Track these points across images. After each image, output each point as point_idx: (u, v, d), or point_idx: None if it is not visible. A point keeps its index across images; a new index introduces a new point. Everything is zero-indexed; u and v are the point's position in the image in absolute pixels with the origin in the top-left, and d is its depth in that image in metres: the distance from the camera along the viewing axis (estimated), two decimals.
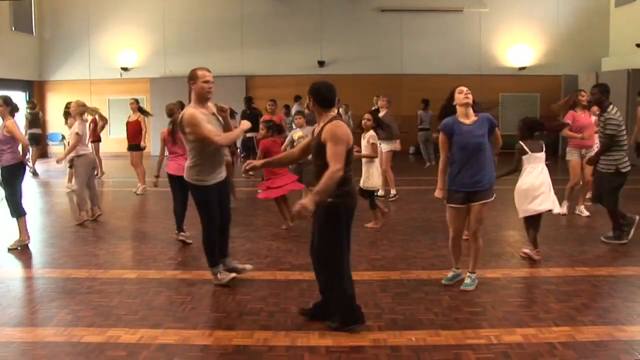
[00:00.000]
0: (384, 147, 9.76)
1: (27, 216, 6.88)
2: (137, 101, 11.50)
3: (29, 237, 6.84)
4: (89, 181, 8.20)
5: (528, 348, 3.91)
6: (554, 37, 18.44)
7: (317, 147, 4.16)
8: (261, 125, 7.80)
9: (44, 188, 12.04)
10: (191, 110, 4.97)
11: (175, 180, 6.65)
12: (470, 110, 4.98)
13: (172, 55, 18.48)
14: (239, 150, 16.42)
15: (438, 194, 5.10)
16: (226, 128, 5.21)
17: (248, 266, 5.56)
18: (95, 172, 8.74)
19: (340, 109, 13.77)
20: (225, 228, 5.40)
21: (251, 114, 12.97)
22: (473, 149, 4.90)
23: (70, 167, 9.14)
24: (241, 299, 4.95)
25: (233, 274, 5.28)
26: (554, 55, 18.46)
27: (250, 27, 18.64)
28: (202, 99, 5.03)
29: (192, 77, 5.01)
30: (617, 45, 17.84)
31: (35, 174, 13.45)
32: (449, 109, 5.05)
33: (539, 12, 18.33)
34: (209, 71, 5.06)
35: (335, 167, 3.98)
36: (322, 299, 4.44)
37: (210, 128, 4.98)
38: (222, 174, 5.23)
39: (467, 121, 4.95)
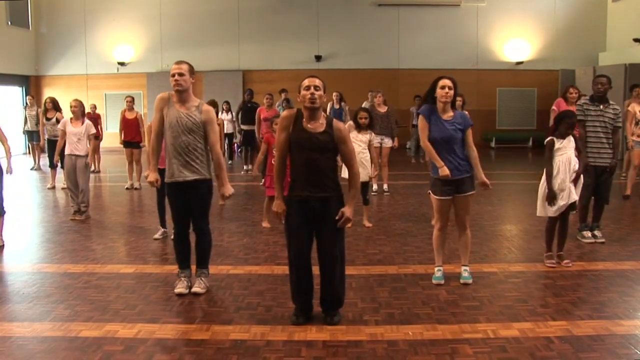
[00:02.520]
0: (387, 142, 9.82)
1: (21, 213, 6.84)
2: (133, 99, 11.47)
3: (2, 238, 6.74)
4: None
5: (525, 342, 3.92)
6: (551, 32, 18.46)
7: (327, 141, 4.14)
8: (276, 120, 7.57)
9: (42, 183, 12.01)
10: (160, 94, 4.94)
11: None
12: (448, 107, 5.01)
13: (169, 50, 18.40)
14: (235, 144, 16.46)
15: (443, 171, 4.94)
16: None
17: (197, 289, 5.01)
18: (93, 168, 8.76)
19: (342, 103, 13.71)
20: (199, 240, 5.06)
21: (251, 107, 13.01)
22: (447, 141, 4.96)
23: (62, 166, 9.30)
24: (238, 294, 4.95)
25: (182, 290, 4.95)
26: (551, 49, 18.48)
27: (247, 22, 18.61)
28: (176, 92, 4.81)
29: None
30: (614, 39, 17.88)
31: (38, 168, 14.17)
32: (431, 99, 5.06)
33: (536, 6, 18.36)
34: (181, 63, 4.80)
35: (356, 166, 4.31)
36: (309, 296, 4.38)
37: (156, 121, 4.87)
38: (183, 176, 4.81)
39: (444, 116, 5.01)
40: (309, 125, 4.16)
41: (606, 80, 6.46)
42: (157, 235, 6.98)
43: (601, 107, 6.46)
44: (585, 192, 6.49)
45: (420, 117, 5.08)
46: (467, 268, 5.24)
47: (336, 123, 4.22)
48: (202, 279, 5.05)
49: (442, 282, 5.17)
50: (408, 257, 6.05)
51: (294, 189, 4.23)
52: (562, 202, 5.57)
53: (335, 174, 4.25)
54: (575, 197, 5.64)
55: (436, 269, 5.27)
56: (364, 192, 7.55)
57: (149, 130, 6.16)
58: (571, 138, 5.65)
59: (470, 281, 5.14)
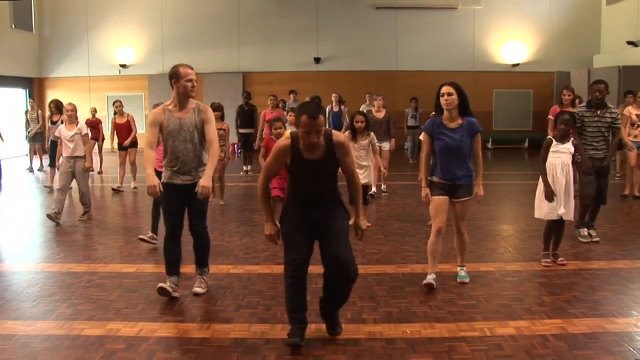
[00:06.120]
0: (386, 145, 9.80)
1: (24, 214, 6.85)
2: (121, 102, 11.43)
3: None
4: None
5: (521, 340, 3.97)
6: (546, 34, 18.60)
7: (329, 165, 3.95)
8: (276, 124, 7.09)
9: (44, 183, 12.01)
10: (154, 110, 4.94)
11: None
12: (454, 113, 4.91)
13: (170, 52, 18.50)
14: (235, 146, 16.53)
15: (423, 193, 5.07)
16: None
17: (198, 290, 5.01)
18: (98, 170, 8.77)
19: (342, 105, 13.75)
20: (197, 242, 4.97)
21: (248, 110, 13.05)
22: (453, 151, 4.92)
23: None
24: (238, 293, 5.00)
25: (164, 285, 4.80)
26: (547, 52, 18.61)
27: (247, 24, 18.72)
28: (184, 97, 4.77)
29: (174, 75, 4.72)
30: (608, 42, 18.01)
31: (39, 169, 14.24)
32: (440, 108, 4.98)
33: (532, 9, 18.51)
34: (191, 68, 4.76)
35: (357, 177, 4.13)
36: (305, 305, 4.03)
37: (151, 135, 4.79)
38: (186, 177, 4.77)
39: (451, 124, 4.93)
40: (309, 156, 3.90)
41: (604, 87, 6.43)
42: (144, 236, 6.67)
43: (598, 112, 6.45)
44: (586, 189, 6.42)
45: (424, 132, 5.11)
46: (464, 268, 5.28)
47: (336, 137, 3.90)
48: (203, 277, 5.03)
49: (434, 285, 5.11)
50: (406, 257, 6.11)
51: (293, 202, 4.05)
52: (560, 209, 5.55)
53: (336, 185, 4.07)
54: (570, 216, 5.64)
55: (429, 274, 5.11)
56: (364, 193, 7.54)
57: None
58: (571, 145, 5.62)
59: (467, 280, 5.19)
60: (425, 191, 5.07)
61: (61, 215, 7.96)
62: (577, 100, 9.30)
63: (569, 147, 5.62)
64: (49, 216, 7.85)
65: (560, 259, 5.77)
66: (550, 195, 5.54)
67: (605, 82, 6.53)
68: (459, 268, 5.29)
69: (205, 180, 4.66)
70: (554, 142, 5.64)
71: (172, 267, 4.92)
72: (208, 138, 4.81)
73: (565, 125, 5.62)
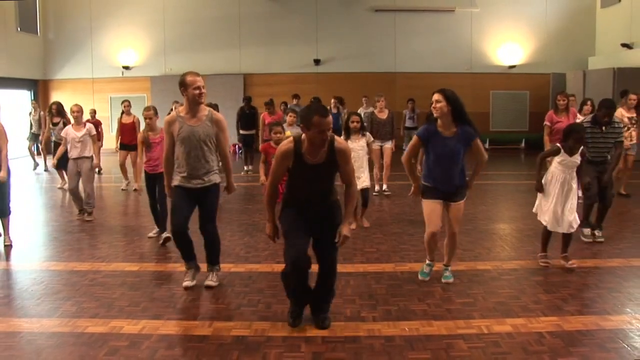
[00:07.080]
0: (387, 145, 9.82)
1: (29, 213, 6.89)
2: (130, 103, 11.49)
3: (10, 238, 6.84)
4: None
5: (517, 337, 4.03)
6: (542, 37, 18.69)
7: (330, 169, 4.10)
8: (276, 129, 7.23)
9: (49, 184, 12.11)
10: (166, 118, 5.08)
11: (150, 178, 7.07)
12: (447, 120, 4.84)
13: (172, 54, 18.65)
14: (236, 146, 16.63)
15: (414, 191, 5.10)
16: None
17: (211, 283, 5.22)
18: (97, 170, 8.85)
19: (340, 107, 13.81)
20: (208, 241, 5.16)
21: (249, 113, 13.31)
22: (447, 159, 4.90)
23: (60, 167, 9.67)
24: (240, 291, 5.06)
25: (188, 283, 5.14)
26: (543, 54, 18.70)
27: (247, 26, 18.79)
28: (194, 104, 4.89)
29: (182, 84, 4.85)
30: (603, 44, 18.11)
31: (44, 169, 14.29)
32: (432, 116, 4.95)
33: (528, 12, 18.59)
34: (198, 75, 4.87)
35: (355, 184, 4.27)
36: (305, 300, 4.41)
37: (166, 142, 5.04)
38: (196, 182, 4.97)
39: (446, 132, 4.87)
40: (311, 160, 4.05)
41: (613, 111, 6.43)
42: (151, 234, 7.15)
43: (604, 129, 6.44)
44: (589, 190, 6.34)
45: (415, 136, 5.04)
46: (449, 268, 5.28)
47: (338, 144, 4.04)
48: (215, 273, 5.22)
49: (427, 279, 5.23)
50: (404, 255, 6.16)
51: (291, 200, 4.23)
52: (559, 229, 5.52)
53: (333, 185, 4.24)
54: (567, 229, 5.55)
55: (425, 264, 5.29)
56: (363, 195, 7.47)
57: (141, 139, 6.68)
58: (579, 157, 5.49)
59: (451, 280, 5.19)
60: (416, 189, 5.12)
61: (88, 212, 8.20)
62: (588, 103, 9.26)
63: (576, 160, 5.51)
64: (80, 219, 8.16)
65: (570, 261, 5.61)
66: (539, 188, 5.62)
67: (615, 105, 6.52)
68: (444, 267, 5.29)
69: (230, 188, 5.27)
70: (562, 152, 5.51)
71: (187, 253, 5.15)
72: (221, 147, 5.08)
73: (579, 144, 5.47)
